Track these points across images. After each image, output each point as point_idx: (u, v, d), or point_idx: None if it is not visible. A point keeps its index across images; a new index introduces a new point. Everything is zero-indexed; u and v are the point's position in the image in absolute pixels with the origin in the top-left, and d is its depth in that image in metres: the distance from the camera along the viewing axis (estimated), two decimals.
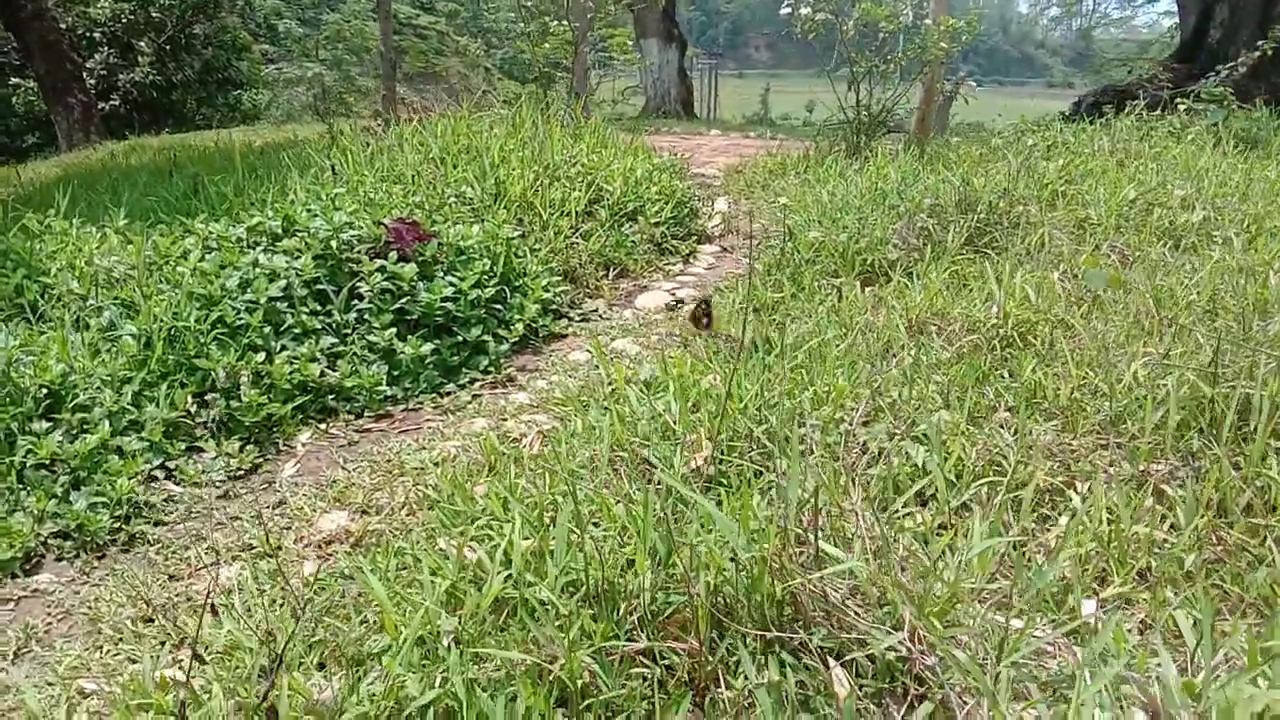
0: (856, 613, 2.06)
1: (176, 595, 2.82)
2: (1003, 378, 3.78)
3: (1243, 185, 6.38)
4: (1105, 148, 8.64)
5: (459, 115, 7.20)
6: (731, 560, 2.26)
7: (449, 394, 4.19)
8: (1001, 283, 4.53)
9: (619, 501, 2.74)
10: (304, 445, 3.75)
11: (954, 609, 2.12)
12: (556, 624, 2.14)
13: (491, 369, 4.39)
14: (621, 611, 2.20)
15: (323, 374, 3.94)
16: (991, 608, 2.18)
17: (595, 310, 5.27)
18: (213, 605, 2.66)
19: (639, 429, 3.35)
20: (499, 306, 4.68)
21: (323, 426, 3.87)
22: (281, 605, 2.67)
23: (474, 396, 4.18)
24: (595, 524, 2.67)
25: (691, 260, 6.36)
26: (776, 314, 4.90)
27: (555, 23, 9.53)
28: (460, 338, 4.38)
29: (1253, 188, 6.39)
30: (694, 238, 6.66)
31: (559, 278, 5.28)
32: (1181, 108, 9.74)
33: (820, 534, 2.26)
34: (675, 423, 3.27)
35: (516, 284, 4.88)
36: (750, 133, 15.48)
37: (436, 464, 3.46)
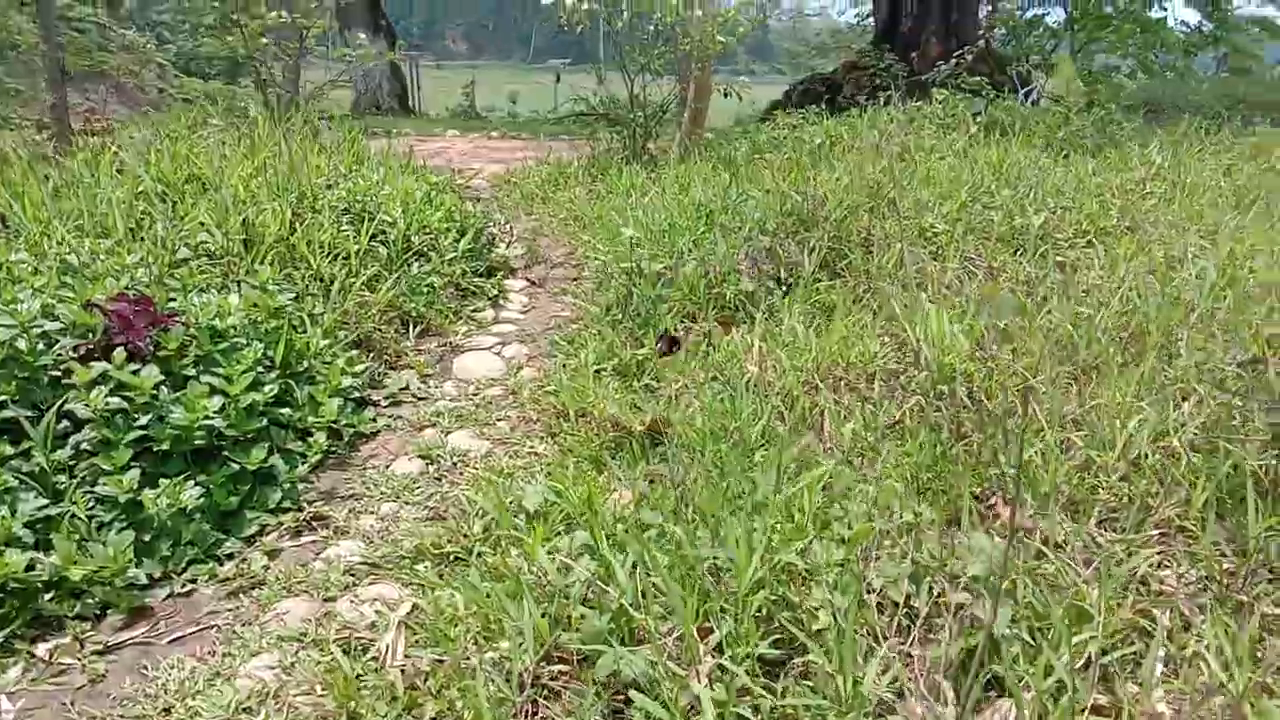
0: None
1: None
2: (971, 454, 3.04)
3: (1060, 182, 6.17)
4: (873, 142, 8.40)
5: (170, 130, 5.57)
6: None
7: (233, 557, 2.85)
8: (912, 321, 3.82)
9: None
10: (9, 696, 2.31)
11: None
12: None
13: (289, 504, 3.08)
14: None
15: (31, 565, 2.49)
16: None
17: (406, 388, 4.04)
18: None
19: (570, 613, 2.25)
20: (285, 410, 3.35)
21: (41, 652, 2.43)
22: None
23: (272, 555, 2.87)
24: None
25: (502, 303, 5.23)
26: (646, 377, 3.93)
27: (273, 13, 7.91)
28: (236, 466, 3.03)
29: (1067, 184, 6.20)
30: (499, 273, 5.52)
31: (354, 350, 3.99)
32: (939, 97, 9.76)
33: None
34: (632, 604, 2.21)
35: (304, 372, 3.56)
36: (492, 132, 14.30)
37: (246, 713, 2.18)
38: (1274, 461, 2.60)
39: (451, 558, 2.75)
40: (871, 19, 24.25)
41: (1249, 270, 4.33)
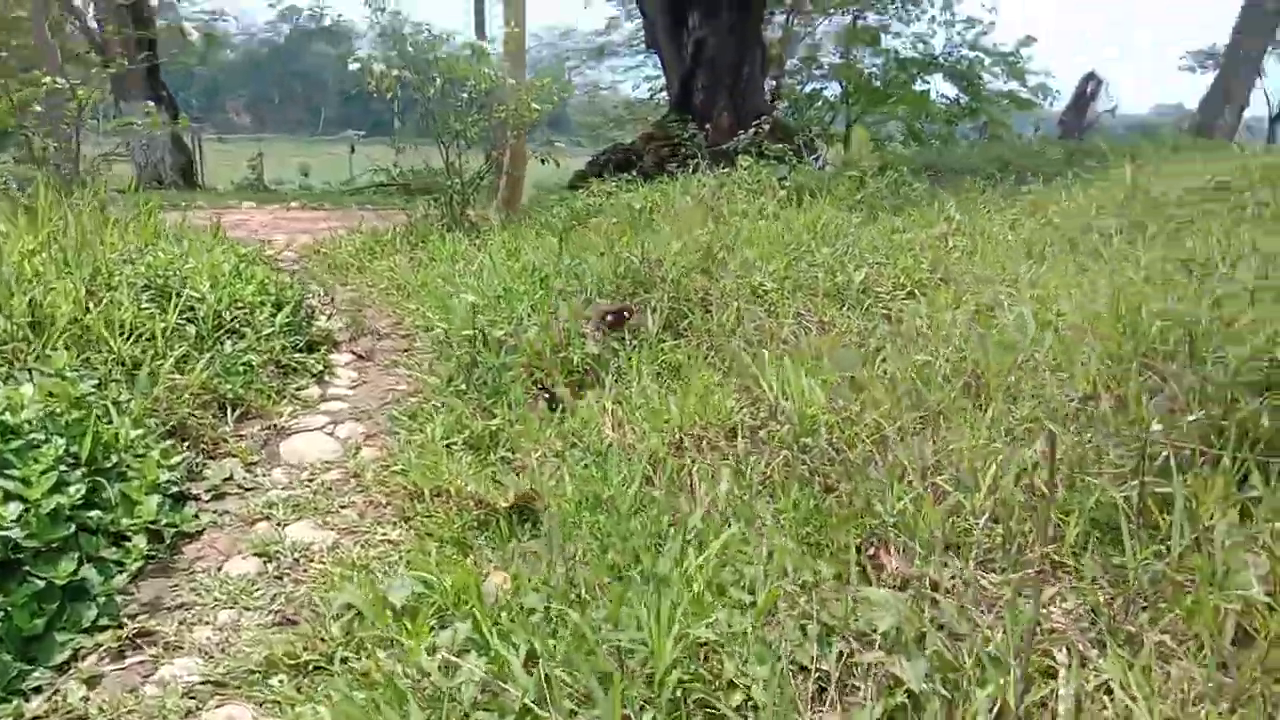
0: None
1: None
2: (844, 505, 3.02)
3: (873, 240, 6.45)
4: (689, 205, 8.60)
5: None
6: None
7: (42, 690, 2.41)
8: (768, 377, 3.82)
9: None
10: None
11: None
12: None
13: (107, 621, 2.65)
14: None
15: None
16: None
17: (229, 478, 3.64)
18: None
19: None
20: (95, 512, 2.91)
21: None
22: None
23: (91, 683, 2.45)
24: None
25: (328, 379, 4.87)
26: (501, 448, 3.72)
27: (47, 77, 7.22)
28: (41, 582, 2.59)
29: (879, 242, 6.50)
30: (322, 348, 5.15)
31: (168, 439, 3.57)
32: (744, 165, 10.13)
33: None
34: (536, 701, 1.99)
35: (113, 468, 3.12)
36: (291, 203, 13.67)
37: None
38: (1134, 494, 2.71)
39: (310, 667, 2.43)
40: (664, 93, 25.22)
41: (1056, 314, 4.62)
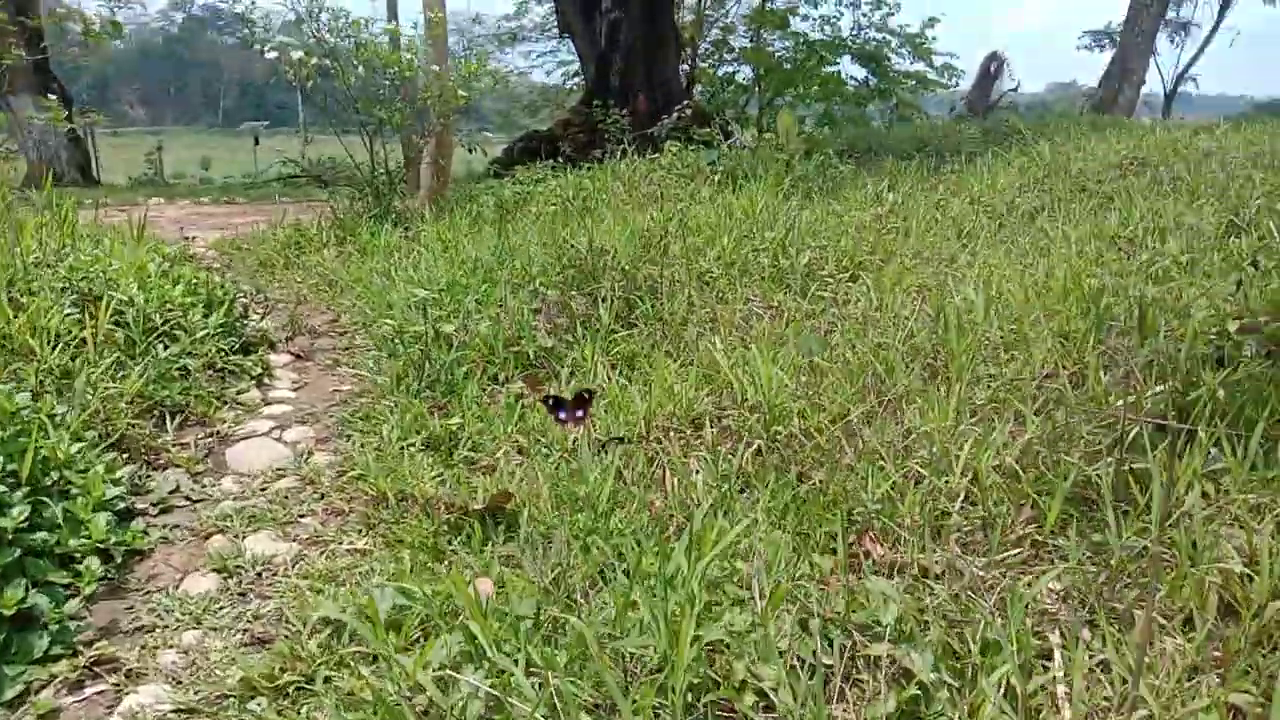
0: None
1: None
2: (822, 493, 3.01)
3: (812, 223, 6.48)
4: (620, 190, 8.54)
5: None
6: None
7: None
8: (734, 366, 3.79)
9: None
10: None
11: None
12: None
13: (61, 650, 2.49)
14: None
15: None
16: None
17: (176, 490, 3.45)
18: None
19: None
20: (40, 534, 2.73)
21: None
22: None
23: (49, 719, 2.29)
24: None
25: (268, 381, 4.67)
26: (463, 448, 3.61)
27: None
28: None
29: (818, 224, 6.53)
30: (259, 349, 4.94)
31: (110, 453, 3.37)
32: (673, 150, 10.09)
33: None
34: (547, 716, 1.92)
35: (53, 486, 2.93)
36: (202, 198, 13.15)
37: None
38: (1110, 470, 2.76)
39: (291, 689, 2.31)
40: (578, 79, 25.03)
41: (998, 294, 4.70)
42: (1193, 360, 3.39)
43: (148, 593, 2.83)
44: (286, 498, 3.39)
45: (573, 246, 5.44)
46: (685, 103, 14.01)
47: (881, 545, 2.79)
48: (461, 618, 2.35)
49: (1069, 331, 4.05)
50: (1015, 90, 32.65)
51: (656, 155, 10.03)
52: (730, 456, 3.30)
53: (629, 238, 5.38)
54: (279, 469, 3.65)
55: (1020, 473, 2.93)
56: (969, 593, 2.39)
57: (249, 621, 2.65)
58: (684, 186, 8.66)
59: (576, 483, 3.05)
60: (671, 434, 3.58)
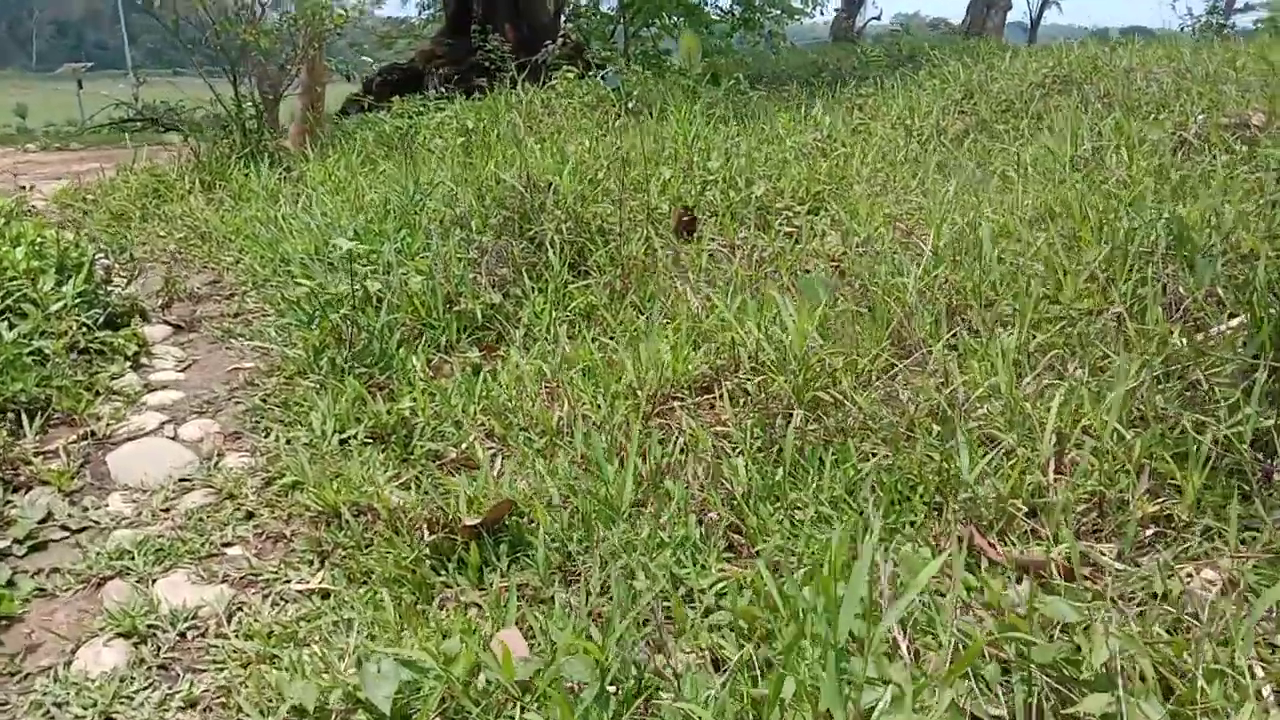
0: None
1: None
2: (891, 469, 2.47)
3: (751, 152, 5.87)
4: (519, 122, 7.74)
5: None
6: None
7: None
8: (752, 317, 3.18)
9: None
10: None
11: None
12: None
13: None
14: None
15: None
16: None
17: (48, 518, 2.63)
18: None
19: None
20: None
21: None
22: None
23: None
24: None
25: (147, 362, 3.79)
26: (422, 439, 2.90)
27: None
28: None
29: (755, 152, 5.94)
30: (130, 321, 4.03)
31: None
32: (571, 75, 9.27)
33: None
34: None
35: None
36: (27, 145, 11.51)
37: None
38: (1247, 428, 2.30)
39: None
40: (432, 9, 23.51)
41: (997, 224, 4.23)
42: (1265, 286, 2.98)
43: (26, 676, 2.05)
44: (202, 520, 2.62)
45: (500, 183, 4.69)
46: (562, 32, 13.09)
47: (982, 536, 2.27)
48: (498, 693, 1.70)
49: (1091, 263, 3.61)
50: (878, 19, 32.78)
51: (552, 84, 9.20)
52: (758, 430, 2.72)
53: (571, 171, 4.65)
54: (183, 480, 2.86)
55: (1122, 434, 2.44)
56: (1123, 603, 1.90)
57: (180, 711, 1.93)
58: (591, 117, 7.92)
59: (595, 481, 2.41)
60: (679, 405, 2.97)
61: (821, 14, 31.24)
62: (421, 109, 9.75)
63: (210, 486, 2.80)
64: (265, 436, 3.08)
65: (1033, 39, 27.00)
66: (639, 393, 2.97)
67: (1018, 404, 2.63)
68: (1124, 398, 2.53)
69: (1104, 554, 2.14)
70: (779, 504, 2.38)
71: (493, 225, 4.28)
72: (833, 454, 2.53)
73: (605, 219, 4.39)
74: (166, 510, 2.70)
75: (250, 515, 2.63)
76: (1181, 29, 17.92)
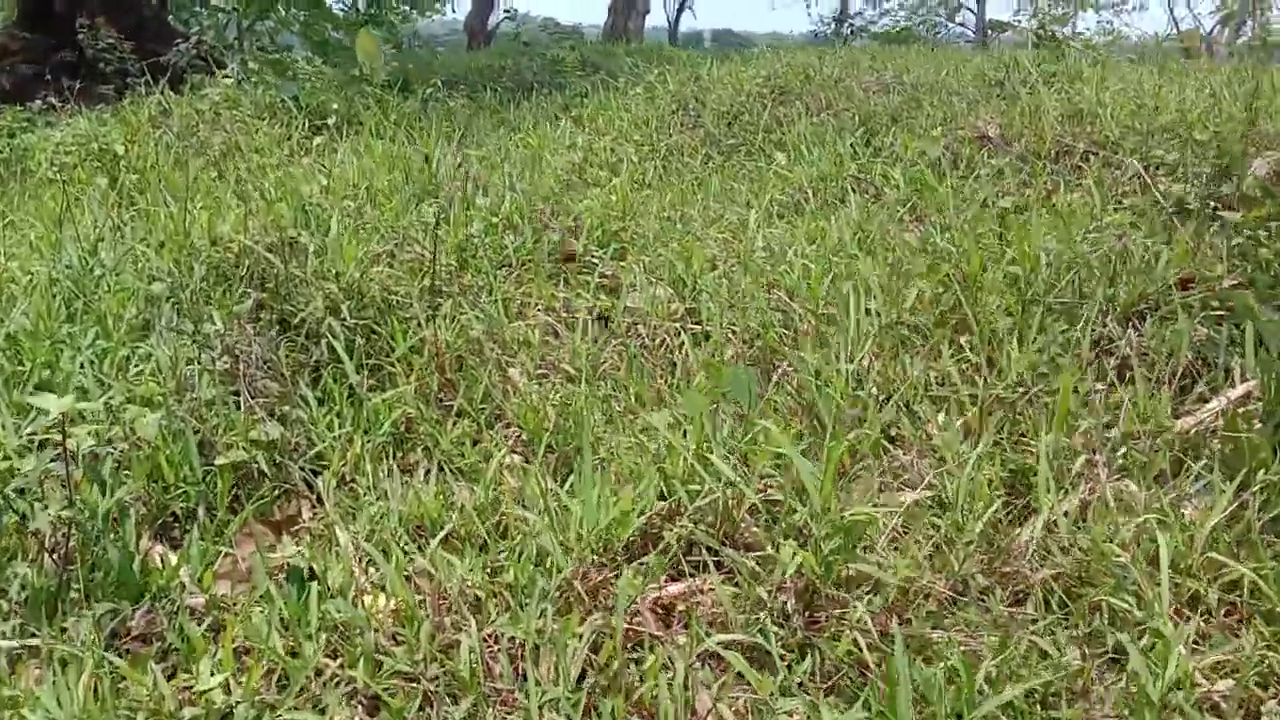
0: None
1: None
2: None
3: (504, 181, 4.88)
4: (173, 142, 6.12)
5: None
6: None
7: None
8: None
9: None
10: None
11: None
12: None
13: None
14: None
15: None
16: None
17: None
18: None
19: None
20: None
21: None
22: None
23: None
24: None
25: None
26: None
27: None
28: None
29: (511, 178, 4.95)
30: None
31: None
32: (228, 81, 7.59)
33: None
34: None
35: None
36: None
37: None
38: None
39: None
40: None
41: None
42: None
43: None
44: None
45: (218, 243, 3.35)
46: (195, 32, 11.08)
47: None
48: None
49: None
50: (512, 17, 32.26)
51: (204, 93, 7.46)
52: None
53: (344, 220, 3.41)
54: None
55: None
56: None
57: None
58: (272, 134, 6.46)
59: None
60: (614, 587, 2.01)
61: (454, 11, 30.49)
62: (25, 125, 7.58)
63: None
64: None
65: (674, 40, 28.08)
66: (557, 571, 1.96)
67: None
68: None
69: None
70: None
71: (231, 311, 2.96)
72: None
73: (390, 288, 3.23)
74: None
75: None
76: (815, 36, 19.24)
